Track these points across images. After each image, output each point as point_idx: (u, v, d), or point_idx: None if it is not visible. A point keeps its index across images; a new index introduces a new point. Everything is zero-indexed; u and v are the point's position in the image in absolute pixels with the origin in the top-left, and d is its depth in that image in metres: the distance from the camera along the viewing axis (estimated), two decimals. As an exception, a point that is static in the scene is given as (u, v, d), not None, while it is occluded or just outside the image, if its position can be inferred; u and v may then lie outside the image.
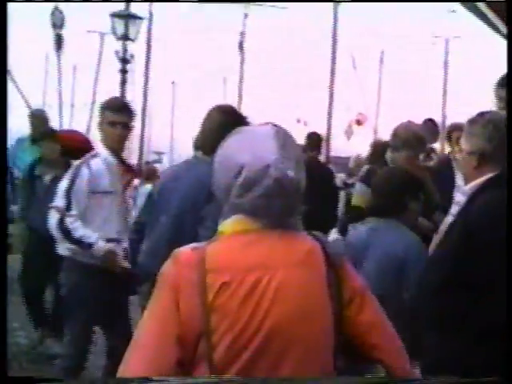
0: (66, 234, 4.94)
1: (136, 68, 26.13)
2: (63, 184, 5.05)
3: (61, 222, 4.94)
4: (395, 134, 5.76)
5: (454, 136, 7.17)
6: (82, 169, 5.03)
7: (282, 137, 2.36)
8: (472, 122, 3.90)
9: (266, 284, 2.27)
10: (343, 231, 5.91)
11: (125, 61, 15.90)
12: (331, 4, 40.85)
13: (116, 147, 5.18)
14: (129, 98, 18.00)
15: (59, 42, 26.37)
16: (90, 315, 5.07)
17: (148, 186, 9.43)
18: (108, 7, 30.99)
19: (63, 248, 5.05)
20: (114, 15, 16.40)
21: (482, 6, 6.07)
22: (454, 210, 5.88)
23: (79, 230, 4.94)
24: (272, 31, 42.79)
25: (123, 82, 15.97)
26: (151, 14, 39.41)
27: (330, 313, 2.35)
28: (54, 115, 26.32)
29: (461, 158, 3.91)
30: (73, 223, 4.93)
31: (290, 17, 45.75)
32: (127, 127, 5.17)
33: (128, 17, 16.07)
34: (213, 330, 2.24)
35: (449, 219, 5.65)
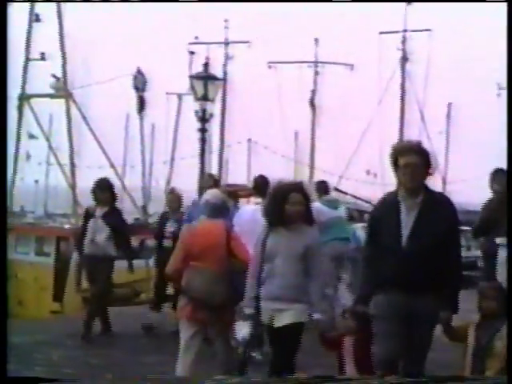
0: None
1: (212, 126, 27.19)
2: None
3: None
4: None
5: (401, 161, 6.01)
6: None
7: None
8: None
9: None
10: None
11: (204, 120, 16.42)
12: (398, 59, 41.88)
13: None
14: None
15: (142, 103, 27.70)
16: None
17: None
18: (185, 71, 32.26)
19: None
20: (194, 77, 16.87)
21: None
22: None
23: None
24: (341, 88, 43.70)
25: (203, 141, 16.56)
26: (226, 74, 40.88)
27: None
28: (138, 173, 27.54)
29: None
30: None
31: (359, 74, 46.69)
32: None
33: (207, 78, 16.36)
34: None
35: None
